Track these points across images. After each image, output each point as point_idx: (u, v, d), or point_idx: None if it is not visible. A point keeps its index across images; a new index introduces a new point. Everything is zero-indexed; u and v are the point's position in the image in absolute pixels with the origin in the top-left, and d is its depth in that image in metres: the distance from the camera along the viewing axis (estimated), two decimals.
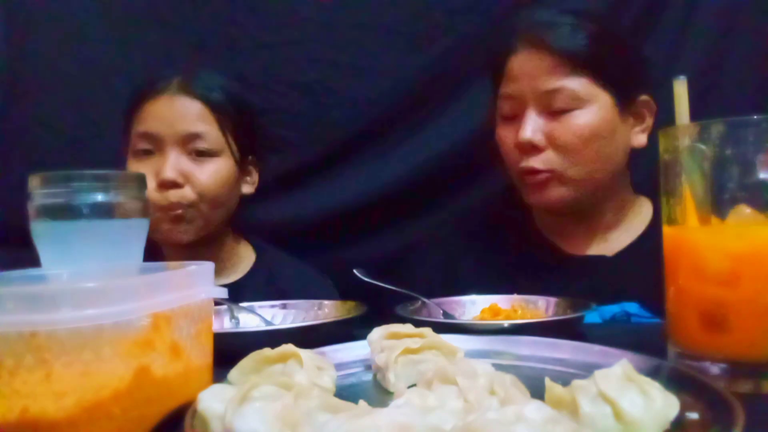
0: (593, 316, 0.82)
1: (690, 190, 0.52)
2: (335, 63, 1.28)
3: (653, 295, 0.70)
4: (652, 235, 0.98)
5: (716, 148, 0.50)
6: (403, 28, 1.27)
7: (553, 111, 0.92)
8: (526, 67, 0.94)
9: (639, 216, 1.03)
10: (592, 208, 1.01)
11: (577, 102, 0.92)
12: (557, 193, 0.95)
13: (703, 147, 0.50)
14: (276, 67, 1.28)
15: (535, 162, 0.93)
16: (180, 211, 1.01)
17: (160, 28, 1.30)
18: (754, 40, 1.22)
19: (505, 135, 0.99)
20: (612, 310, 0.84)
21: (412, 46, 1.27)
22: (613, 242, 1.02)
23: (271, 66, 1.28)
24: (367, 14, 1.28)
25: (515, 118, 0.96)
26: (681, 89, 0.56)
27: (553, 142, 0.93)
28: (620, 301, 0.85)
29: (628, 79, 0.95)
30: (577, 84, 0.91)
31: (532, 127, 0.93)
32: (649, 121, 0.98)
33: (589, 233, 1.03)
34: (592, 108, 0.92)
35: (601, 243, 1.02)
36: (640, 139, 0.98)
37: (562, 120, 0.92)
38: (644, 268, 0.87)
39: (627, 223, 1.03)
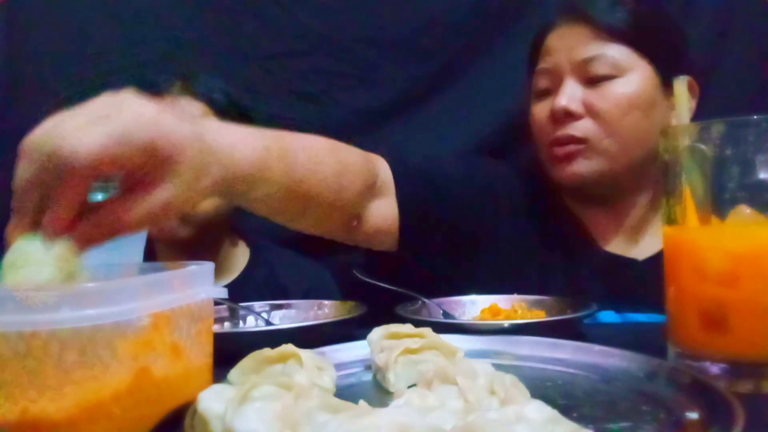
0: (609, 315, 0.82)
1: (690, 190, 0.52)
2: (340, 74, 1.29)
3: None
4: None
5: (716, 148, 0.50)
6: (407, 40, 1.28)
7: (591, 79, 0.90)
8: (564, 40, 0.93)
9: None
10: (623, 198, 0.98)
11: (617, 69, 0.89)
12: (587, 165, 0.92)
13: (703, 147, 0.50)
14: (282, 77, 1.29)
15: (571, 129, 0.91)
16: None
17: (163, 30, 1.30)
18: (754, 40, 1.22)
19: (539, 110, 0.97)
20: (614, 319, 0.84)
21: (414, 57, 1.28)
22: (645, 245, 0.98)
23: (278, 76, 1.29)
24: (372, 27, 1.29)
25: (550, 93, 0.95)
26: (681, 89, 0.56)
27: (590, 110, 0.90)
28: (642, 308, 0.84)
29: (671, 54, 0.93)
30: (616, 51, 0.90)
31: (568, 94, 0.91)
32: (691, 104, 0.93)
33: (619, 229, 0.99)
34: (632, 77, 0.90)
35: (632, 244, 0.99)
36: None
37: (600, 88, 0.90)
38: None
39: (657, 225, 0.99)
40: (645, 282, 0.89)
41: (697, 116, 0.61)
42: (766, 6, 1.21)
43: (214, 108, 1.04)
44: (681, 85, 0.56)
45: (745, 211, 0.49)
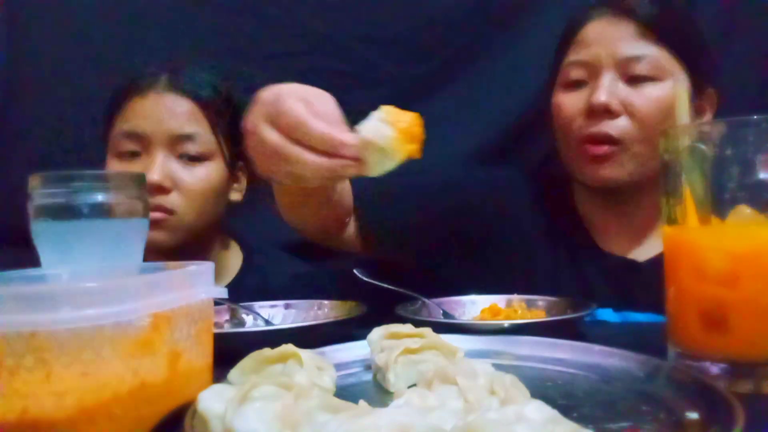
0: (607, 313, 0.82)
1: (690, 190, 0.52)
2: (340, 73, 1.29)
3: None
4: None
5: (716, 148, 0.50)
6: (407, 40, 1.28)
7: (632, 78, 0.89)
8: (606, 34, 0.90)
9: None
10: (631, 200, 0.96)
11: (659, 72, 0.88)
12: (618, 170, 0.90)
13: (703, 147, 0.50)
14: (283, 77, 1.29)
15: (607, 127, 0.88)
16: (160, 215, 0.94)
17: (163, 29, 1.30)
18: (754, 40, 1.22)
19: (569, 102, 0.94)
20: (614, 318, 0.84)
21: (414, 57, 1.29)
22: (647, 247, 0.97)
23: (278, 76, 1.29)
24: (371, 27, 1.29)
25: (583, 85, 0.93)
26: (681, 90, 0.56)
27: (629, 109, 0.88)
28: (642, 309, 0.83)
29: (703, 63, 0.92)
30: (660, 54, 0.88)
31: (609, 89, 0.88)
32: (708, 117, 0.94)
33: (624, 230, 0.98)
34: (671, 83, 0.88)
35: (635, 245, 0.98)
36: None
37: (641, 88, 0.88)
38: None
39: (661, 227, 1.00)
40: (645, 283, 0.88)
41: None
42: (766, 6, 1.21)
43: (201, 103, 1.00)
44: (681, 86, 0.56)
45: (745, 211, 0.49)
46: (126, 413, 0.40)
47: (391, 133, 0.59)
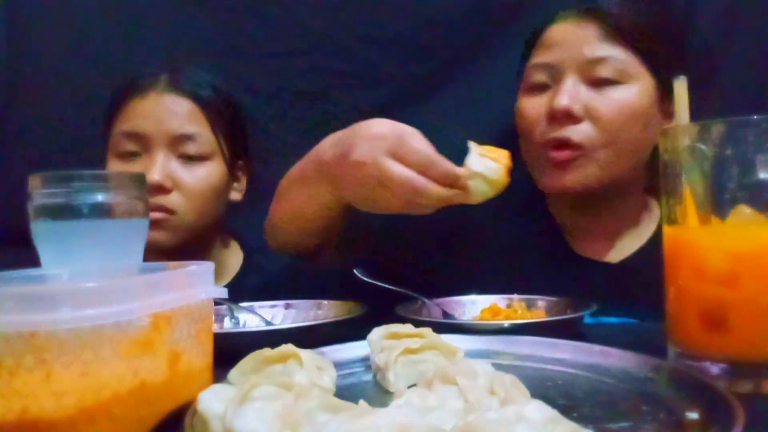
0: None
1: (690, 190, 0.52)
2: (340, 73, 1.29)
3: (652, 303, 0.70)
4: (658, 241, 0.96)
5: (716, 148, 0.50)
6: (407, 39, 1.28)
7: (595, 81, 0.87)
8: (569, 35, 0.89)
9: (648, 221, 0.99)
10: (607, 207, 0.95)
11: (623, 76, 0.86)
12: (580, 175, 0.88)
13: (703, 147, 0.50)
14: (283, 76, 1.30)
15: (570, 132, 0.87)
16: (160, 215, 0.95)
17: (163, 29, 1.30)
18: (754, 40, 1.22)
19: (531, 106, 0.92)
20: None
21: (414, 56, 1.29)
22: (621, 249, 0.97)
23: (278, 76, 1.29)
24: (371, 26, 1.29)
25: (546, 89, 0.91)
26: (681, 89, 0.56)
27: (591, 114, 0.86)
28: (616, 312, 0.82)
29: (671, 67, 0.87)
30: (625, 56, 0.86)
31: (571, 93, 0.86)
32: None
33: (599, 233, 0.98)
34: (636, 87, 0.87)
35: (609, 247, 0.97)
36: None
37: (604, 92, 0.86)
38: (647, 275, 0.86)
39: (637, 228, 0.98)
40: (619, 285, 0.88)
41: (697, 116, 0.61)
42: (766, 6, 1.21)
43: (201, 103, 1.00)
44: (681, 85, 0.56)
45: (745, 211, 0.49)
46: (126, 413, 0.40)
47: (497, 167, 0.71)
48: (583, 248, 0.98)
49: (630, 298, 0.81)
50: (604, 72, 0.86)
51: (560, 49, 0.89)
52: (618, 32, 0.87)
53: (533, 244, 0.99)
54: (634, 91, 0.87)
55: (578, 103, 0.86)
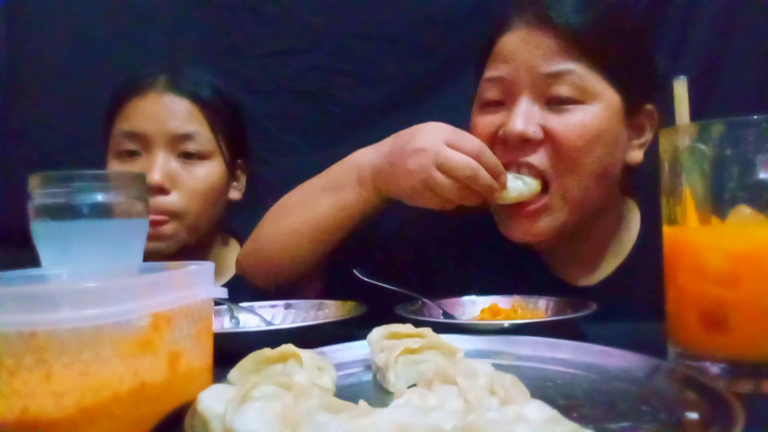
0: None
1: (690, 190, 0.52)
2: (340, 71, 1.29)
3: (636, 317, 0.70)
4: (638, 254, 0.90)
5: (716, 148, 0.50)
6: (404, 38, 1.28)
7: (552, 101, 0.78)
8: (523, 47, 0.79)
9: (627, 232, 0.92)
10: (579, 234, 0.87)
11: (582, 94, 0.78)
12: (553, 221, 0.81)
13: (703, 147, 0.50)
14: (282, 75, 1.30)
15: (524, 156, 0.79)
16: (161, 228, 0.95)
17: (163, 29, 1.31)
18: (754, 40, 1.22)
19: (484, 124, 0.83)
20: None
21: (414, 55, 1.29)
22: (599, 271, 0.91)
23: (277, 74, 1.30)
24: (371, 24, 1.29)
25: (500, 105, 0.82)
26: (681, 89, 0.56)
27: (550, 138, 0.78)
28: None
29: (638, 79, 0.82)
30: (584, 72, 0.77)
31: (525, 116, 0.78)
32: (648, 136, 0.85)
33: (576, 259, 0.91)
34: (598, 106, 0.78)
35: (587, 270, 0.91)
36: (636, 155, 0.85)
37: (563, 114, 0.78)
38: (629, 291, 0.84)
39: (614, 245, 0.92)
40: (601, 302, 0.79)
41: (697, 116, 0.59)
42: (766, 6, 1.21)
43: (200, 103, 1.01)
44: (681, 85, 0.56)
45: (745, 211, 0.49)
46: (126, 413, 0.40)
47: (533, 182, 0.80)
48: (560, 271, 0.93)
49: (609, 318, 0.74)
50: (562, 90, 0.78)
51: (514, 62, 0.80)
52: (575, 43, 0.77)
53: (512, 266, 0.93)
54: (597, 111, 0.78)
55: (533, 126, 0.78)
